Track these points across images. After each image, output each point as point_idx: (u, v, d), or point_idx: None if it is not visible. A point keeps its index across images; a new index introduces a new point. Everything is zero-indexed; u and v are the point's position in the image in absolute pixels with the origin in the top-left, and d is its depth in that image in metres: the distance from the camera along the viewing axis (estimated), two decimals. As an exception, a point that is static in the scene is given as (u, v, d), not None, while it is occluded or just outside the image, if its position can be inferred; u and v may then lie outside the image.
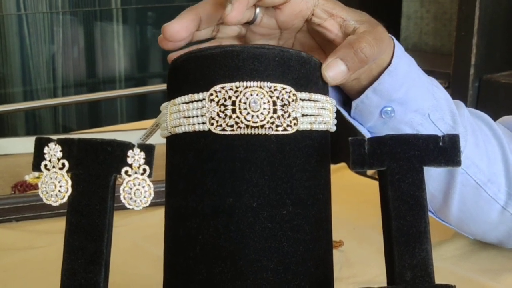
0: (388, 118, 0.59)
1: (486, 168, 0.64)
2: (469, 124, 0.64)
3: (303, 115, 0.46)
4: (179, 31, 0.50)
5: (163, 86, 0.51)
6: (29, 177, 0.92)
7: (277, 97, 0.45)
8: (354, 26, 0.54)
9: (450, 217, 0.67)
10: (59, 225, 0.45)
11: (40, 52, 2.17)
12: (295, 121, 0.45)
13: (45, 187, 0.44)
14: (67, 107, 2.26)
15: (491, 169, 0.65)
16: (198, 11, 0.51)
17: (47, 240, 0.75)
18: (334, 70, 0.49)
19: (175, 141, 0.47)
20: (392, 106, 0.58)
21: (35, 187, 0.89)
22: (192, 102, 0.45)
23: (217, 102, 0.44)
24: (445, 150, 0.46)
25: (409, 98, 0.58)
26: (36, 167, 0.44)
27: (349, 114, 0.60)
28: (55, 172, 0.44)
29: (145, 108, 2.49)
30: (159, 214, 0.50)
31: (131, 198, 0.44)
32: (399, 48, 0.57)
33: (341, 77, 0.50)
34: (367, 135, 0.60)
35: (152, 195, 0.44)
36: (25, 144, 1.02)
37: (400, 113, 0.58)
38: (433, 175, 0.63)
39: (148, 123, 0.55)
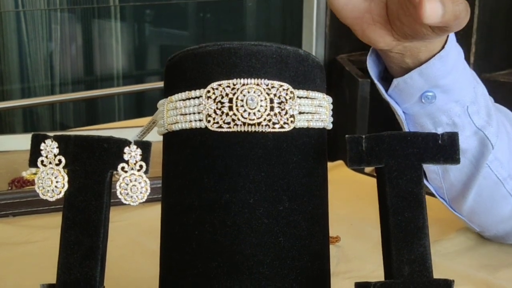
0: (428, 103, 0.59)
1: (507, 164, 0.65)
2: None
3: (300, 113, 0.46)
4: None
5: (161, 84, 0.51)
6: (26, 173, 0.92)
7: (274, 95, 0.45)
8: None
9: (463, 207, 0.67)
10: (56, 220, 0.45)
11: (38, 49, 2.16)
12: (292, 119, 0.45)
13: (42, 183, 0.44)
14: (64, 104, 2.26)
15: None
16: None
17: (44, 235, 0.76)
18: (433, 8, 0.47)
19: (172, 138, 0.47)
20: (434, 92, 0.57)
21: (32, 183, 0.89)
22: (189, 99, 0.45)
23: (214, 99, 0.45)
24: (444, 148, 0.46)
25: (454, 87, 0.58)
26: (33, 163, 0.44)
27: (386, 90, 0.59)
28: (52, 168, 0.44)
29: (142, 106, 2.49)
30: (156, 210, 0.51)
31: (127, 194, 0.44)
32: (452, 35, 0.57)
33: (436, 18, 0.47)
34: (402, 115, 0.61)
35: (149, 191, 0.44)
36: (22, 141, 1.03)
37: (441, 100, 0.58)
38: (457, 166, 0.63)
39: (146, 120, 0.56)
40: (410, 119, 0.61)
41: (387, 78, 0.60)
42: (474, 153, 0.63)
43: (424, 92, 0.57)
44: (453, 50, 0.58)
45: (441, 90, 0.58)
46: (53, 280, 0.44)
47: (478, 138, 0.62)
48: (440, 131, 0.60)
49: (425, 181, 0.53)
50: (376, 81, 0.60)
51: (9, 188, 0.90)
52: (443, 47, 0.56)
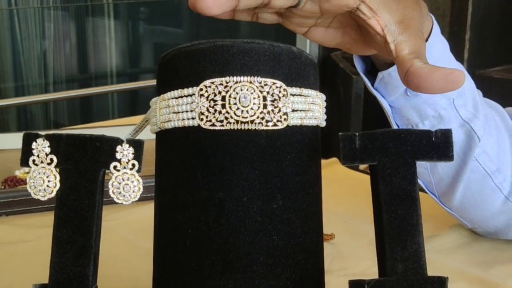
0: (413, 96, 0.59)
1: (496, 157, 0.65)
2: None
3: (293, 110, 0.45)
4: (211, 7, 0.46)
5: (155, 82, 0.51)
6: (20, 172, 0.92)
7: (268, 92, 0.45)
8: (395, 39, 0.51)
9: (453, 202, 0.67)
10: (49, 219, 0.45)
11: (31, 47, 2.16)
12: (285, 116, 0.45)
13: (33, 182, 0.44)
14: (58, 102, 2.26)
15: (500, 159, 0.66)
16: None
17: (37, 234, 0.75)
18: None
19: (164, 137, 0.47)
20: None
21: (25, 182, 0.89)
22: (181, 97, 0.45)
23: (207, 97, 0.44)
24: (438, 145, 0.46)
25: None
26: (24, 162, 0.44)
27: (372, 84, 0.59)
28: (43, 167, 0.44)
29: (136, 104, 2.48)
30: (149, 208, 0.50)
31: (120, 193, 0.44)
32: (436, 28, 0.57)
33: None
34: (388, 108, 0.61)
35: (141, 189, 0.44)
36: (16, 140, 1.02)
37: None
38: None
39: (140, 118, 0.55)
40: (397, 112, 0.61)
41: (373, 72, 0.61)
42: (461, 146, 0.63)
43: None
44: (438, 43, 0.58)
45: None
46: (46, 279, 0.44)
47: (464, 131, 0.63)
48: (426, 124, 0.61)
49: None
50: (362, 75, 0.60)
51: (2, 187, 0.89)
52: (426, 40, 0.56)
